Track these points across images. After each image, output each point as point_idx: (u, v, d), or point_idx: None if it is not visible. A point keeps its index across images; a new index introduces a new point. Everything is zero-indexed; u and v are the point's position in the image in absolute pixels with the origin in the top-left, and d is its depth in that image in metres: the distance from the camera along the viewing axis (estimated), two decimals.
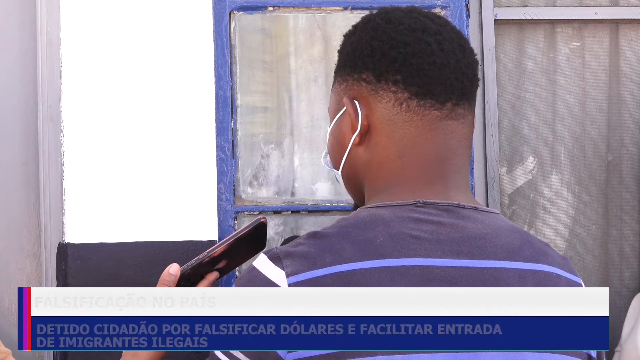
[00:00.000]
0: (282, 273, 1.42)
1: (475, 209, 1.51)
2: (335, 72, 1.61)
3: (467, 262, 1.46)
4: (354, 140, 1.55)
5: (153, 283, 2.48)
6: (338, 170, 1.60)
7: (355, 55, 1.55)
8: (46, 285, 2.58)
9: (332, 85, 1.63)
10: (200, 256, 1.71)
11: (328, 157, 1.64)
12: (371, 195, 1.55)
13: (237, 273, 2.53)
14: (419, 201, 1.49)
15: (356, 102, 1.54)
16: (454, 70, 1.54)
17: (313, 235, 1.46)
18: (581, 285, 1.57)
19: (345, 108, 1.56)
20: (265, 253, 1.46)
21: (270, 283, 1.42)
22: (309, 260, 1.43)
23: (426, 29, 1.55)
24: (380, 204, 1.50)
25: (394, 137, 1.53)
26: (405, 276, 1.42)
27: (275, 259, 1.44)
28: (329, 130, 1.63)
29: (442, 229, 1.47)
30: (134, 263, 2.51)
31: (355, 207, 1.65)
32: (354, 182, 1.59)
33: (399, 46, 1.53)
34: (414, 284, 1.42)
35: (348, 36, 1.60)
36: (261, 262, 1.45)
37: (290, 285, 1.41)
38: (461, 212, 1.50)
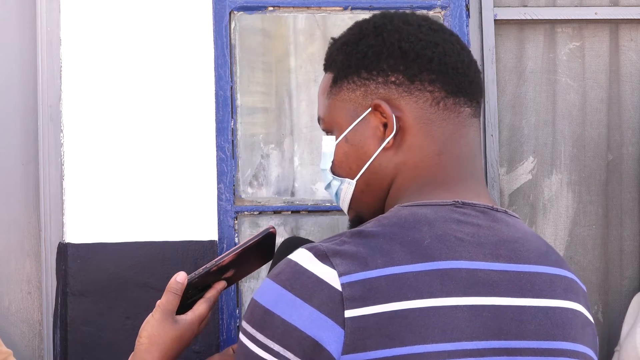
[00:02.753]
0: (334, 272, 1.38)
1: (505, 212, 1.53)
2: (338, 78, 1.58)
3: (506, 265, 1.47)
4: (387, 143, 1.53)
5: (153, 283, 2.50)
6: (353, 179, 1.58)
7: (379, 58, 1.54)
8: (46, 286, 2.58)
9: (330, 93, 1.60)
10: (208, 265, 1.69)
11: (329, 169, 1.61)
12: (400, 197, 1.53)
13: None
14: (457, 201, 1.49)
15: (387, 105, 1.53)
16: (475, 69, 1.58)
17: (358, 234, 1.43)
18: (587, 293, 1.60)
19: (366, 113, 1.55)
20: (309, 249, 1.41)
21: (320, 282, 1.38)
22: (359, 260, 1.39)
23: (443, 30, 1.59)
24: (420, 202, 1.49)
25: (433, 136, 1.53)
26: (454, 279, 1.41)
27: (322, 256, 1.40)
28: (335, 140, 1.60)
29: (481, 232, 1.47)
30: (134, 263, 2.51)
31: (355, 224, 1.61)
32: (374, 189, 1.56)
33: (430, 46, 1.54)
34: (460, 288, 1.41)
35: (354, 41, 1.57)
36: (305, 259, 1.41)
37: (343, 285, 1.38)
38: (495, 215, 1.51)
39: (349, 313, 1.36)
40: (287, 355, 1.38)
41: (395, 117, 1.52)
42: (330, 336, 1.36)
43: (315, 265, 1.39)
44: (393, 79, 1.53)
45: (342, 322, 1.36)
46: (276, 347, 1.38)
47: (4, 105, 2.63)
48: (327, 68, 1.63)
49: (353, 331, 1.36)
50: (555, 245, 2.84)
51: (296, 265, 1.41)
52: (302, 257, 1.41)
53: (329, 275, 1.38)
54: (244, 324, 1.43)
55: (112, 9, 2.56)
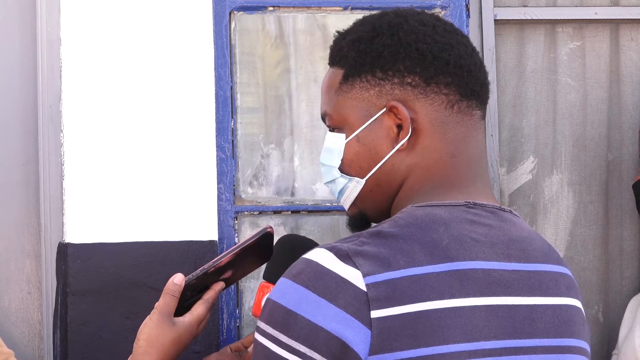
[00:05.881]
0: (358, 273, 1.38)
1: (511, 212, 1.53)
2: (350, 75, 1.56)
3: (517, 265, 1.48)
4: (402, 145, 1.53)
5: (153, 283, 2.50)
6: (363, 179, 1.57)
7: (396, 59, 1.53)
8: (46, 286, 2.58)
9: (339, 90, 1.58)
10: (206, 266, 1.69)
11: (337, 167, 1.60)
12: (411, 197, 1.52)
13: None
14: (469, 202, 1.49)
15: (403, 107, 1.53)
16: (484, 71, 1.59)
17: (377, 235, 1.43)
18: (579, 287, 1.61)
19: (380, 113, 1.54)
20: (329, 249, 1.40)
21: (344, 282, 1.38)
22: (382, 261, 1.39)
23: (455, 30, 1.58)
24: (433, 203, 1.49)
25: (446, 138, 1.53)
26: (472, 279, 1.42)
27: (344, 257, 1.39)
28: (346, 139, 1.59)
29: (493, 232, 1.48)
30: (134, 263, 2.51)
31: (356, 219, 1.61)
32: (383, 189, 1.56)
33: (447, 49, 1.53)
34: (478, 288, 1.42)
35: (368, 39, 1.55)
36: (326, 259, 1.40)
37: (367, 285, 1.37)
38: (503, 215, 1.52)
39: (375, 314, 1.36)
40: (313, 356, 1.37)
41: (410, 118, 1.52)
42: (357, 336, 1.36)
43: (338, 266, 1.39)
44: (409, 80, 1.52)
45: (369, 322, 1.36)
46: (302, 349, 1.37)
47: (4, 105, 2.63)
48: (334, 63, 1.61)
49: (380, 332, 1.36)
50: (556, 245, 2.84)
51: (318, 265, 1.40)
52: (323, 257, 1.40)
53: (353, 275, 1.38)
54: (263, 326, 1.42)
55: (112, 9, 2.56)
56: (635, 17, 2.87)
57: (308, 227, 2.70)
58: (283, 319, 1.39)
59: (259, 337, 1.42)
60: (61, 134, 2.55)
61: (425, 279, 1.39)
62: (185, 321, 1.68)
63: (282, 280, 1.42)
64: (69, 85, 2.54)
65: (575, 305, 1.53)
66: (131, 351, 1.69)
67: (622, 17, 2.87)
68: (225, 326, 2.59)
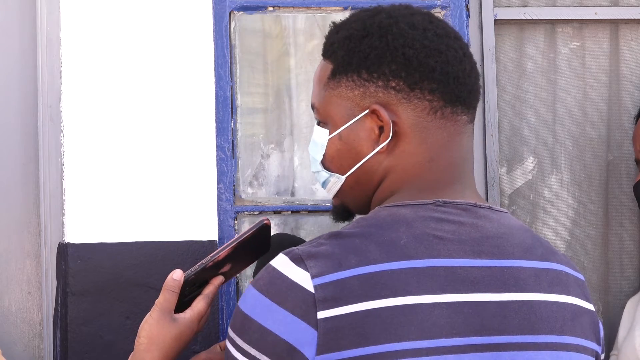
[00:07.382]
0: (307, 275, 1.40)
1: (490, 208, 1.53)
2: (337, 72, 1.56)
3: (488, 261, 1.47)
4: (382, 148, 1.53)
5: (153, 283, 2.50)
6: (343, 175, 1.58)
7: (381, 62, 1.53)
8: (46, 286, 2.58)
9: (327, 85, 1.58)
10: (204, 261, 1.69)
11: (319, 161, 1.61)
12: (386, 198, 1.53)
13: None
14: (438, 200, 1.50)
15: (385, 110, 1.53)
16: (475, 75, 1.57)
17: (335, 236, 1.44)
18: (584, 282, 1.59)
19: (364, 113, 1.54)
20: (286, 254, 1.43)
21: (293, 285, 1.40)
22: (333, 261, 1.40)
23: (448, 34, 1.57)
24: (400, 202, 1.50)
25: (426, 143, 1.53)
26: (431, 277, 1.42)
27: (297, 260, 1.41)
28: (329, 134, 1.59)
29: (463, 229, 1.48)
30: (134, 263, 2.51)
31: (338, 210, 1.63)
32: (362, 187, 1.57)
33: (434, 54, 1.53)
34: (438, 285, 1.42)
35: (357, 38, 1.55)
36: (282, 263, 1.43)
37: (315, 287, 1.39)
38: (478, 211, 1.51)
39: (321, 314, 1.38)
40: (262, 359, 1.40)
41: (392, 122, 1.52)
42: (304, 338, 1.38)
43: (290, 269, 1.41)
44: (393, 84, 1.52)
45: (315, 323, 1.38)
46: (253, 352, 1.41)
47: (4, 105, 2.63)
48: (326, 56, 1.61)
49: (326, 332, 1.37)
50: (556, 245, 2.83)
51: (273, 270, 1.43)
52: (279, 262, 1.43)
53: (302, 278, 1.40)
54: (229, 329, 1.47)
55: (112, 9, 2.56)
56: (635, 17, 2.87)
57: (308, 227, 2.70)
58: (241, 323, 1.44)
59: (226, 341, 1.48)
60: (61, 134, 2.55)
61: (377, 276, 1.40)
62: (186, 317, 1.68)
63: (248, 286, 1.47)
64: (69, 85, 2.54)
65: (560, 302, 1.51)
66: (131, 350, 1.69)
67: (622, 17, 2.87)
68: (225, 327, 2.59)
